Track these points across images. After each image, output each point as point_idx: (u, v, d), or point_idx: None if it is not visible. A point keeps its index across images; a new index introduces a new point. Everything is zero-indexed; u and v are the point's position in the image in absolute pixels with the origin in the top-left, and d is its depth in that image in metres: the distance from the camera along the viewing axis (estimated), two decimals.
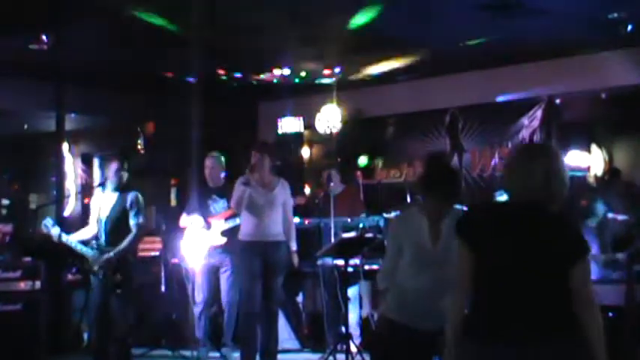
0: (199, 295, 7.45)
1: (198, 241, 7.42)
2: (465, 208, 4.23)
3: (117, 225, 6.40)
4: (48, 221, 6.53)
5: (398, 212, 4.54)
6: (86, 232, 6.54)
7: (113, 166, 6.51)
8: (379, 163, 10.30)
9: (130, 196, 6.43)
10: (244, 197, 6.61)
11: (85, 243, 6.44)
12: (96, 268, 6.33)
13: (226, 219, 7.31)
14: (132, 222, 6.41)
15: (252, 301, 6.63)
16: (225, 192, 7.36)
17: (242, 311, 6.78)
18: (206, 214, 7.46)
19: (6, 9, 6.65)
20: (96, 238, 6.43)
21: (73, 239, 6.45)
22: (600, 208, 8.02)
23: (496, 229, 3.23)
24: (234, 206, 6.79)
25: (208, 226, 7.40)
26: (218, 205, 7.46)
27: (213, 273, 7.44)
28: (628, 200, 8.09)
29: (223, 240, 7.32)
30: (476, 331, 3.20)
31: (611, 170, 8.24)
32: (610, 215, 7.99)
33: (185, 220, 7.59)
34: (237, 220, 7.06)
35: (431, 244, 4.18)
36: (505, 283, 3.17)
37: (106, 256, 6.30)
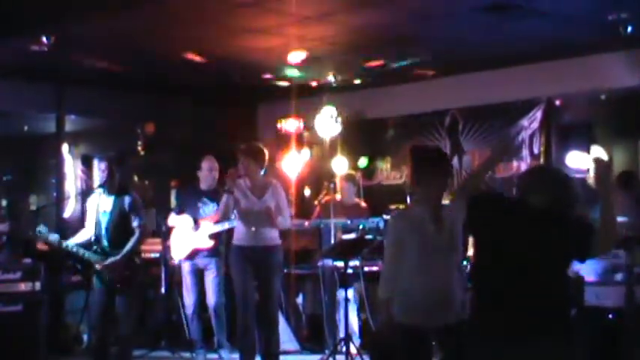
0: (189, 297, 7.45)
1: (184, 242, 7.42)
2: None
3: (118, 228, 6.40)
4: (42, 228, 6.50)
5: (394, 213, 4.56)
6: (83, 235, 6.54)
7: (101, 167, 6.51)
8: (382, 165, 10.30)
9: (128, 199, 6.42)
10: (229, 206, 6.59)
11: (85, 246, 6.44)
12: (100, 270, 6.33)
13: (216, 222, 7.28)
14: (134, 224, 6.40)
15: (247, 303, 6.63)
16: (216, 196, 7.35)
17: (239, 314, 6.78)
18: (195, 215, 7.44)
19: (6, 10, 6.65)
20: (97, 241, 6.42)
21: (72, 243, 6.45)
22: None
23: (508, 222, 3.29)
24: (221, 216, 6.81)
25: (197, 227, 7.38)
26: (208, 208, 7.43)
27: (199, 274, 7.44)
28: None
29: (210, 243, 7.30)
30: (491, 330, 3.24)
31: (625, 173, 8.13)
32: None
33: (173, 219, 7.58)
34: (227, 225, 7.06)
35: (435, 232, 4.18)
36: (516, 280, 3.22)
37: (112, 259, 6.30)
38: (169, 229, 7.72)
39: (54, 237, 6.45)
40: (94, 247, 6.38)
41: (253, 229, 6.60)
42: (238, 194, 6.59)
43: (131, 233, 6.39)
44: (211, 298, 7.33)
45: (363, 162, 10.08)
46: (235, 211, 6.68)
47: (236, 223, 6.90)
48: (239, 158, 6.69)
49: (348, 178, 8.50)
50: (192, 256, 7.38)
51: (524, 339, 3.18)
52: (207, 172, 7.53)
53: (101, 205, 6.45)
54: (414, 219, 4.25)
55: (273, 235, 6.70)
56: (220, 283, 7.32)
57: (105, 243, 6.38)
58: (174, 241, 7.54)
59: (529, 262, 3.21)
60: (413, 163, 4.36)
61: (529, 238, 3.24)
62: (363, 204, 8.46)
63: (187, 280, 7.45)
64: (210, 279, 7.33)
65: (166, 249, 7.95)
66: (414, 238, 4.21)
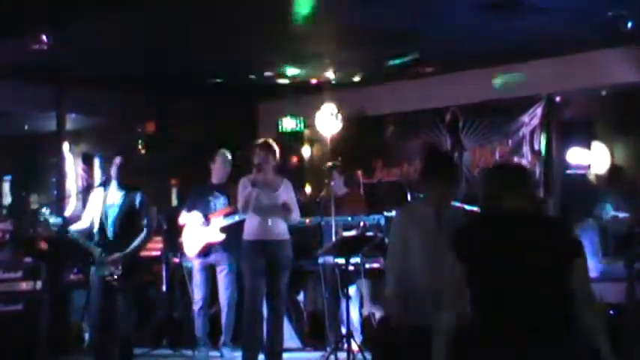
0: (198, 294, 7.46)
1: (196, 238, 7.42)
2: (463, 207, 4.27)
3: (125, 223, 6.39)
4: (46, 211, 6.50)
5: (399, 209, 4.55)
6: (79, 226, 6.55)
7: (117, 161, 6.52)
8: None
9: (139, 196, 6.43)
10: (252, 198, 6.62)
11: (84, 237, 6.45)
12: (101, 263, 6.32)
13: (225, 216, 7.30)
14: (144, 222, 6.41)
15: (255, 298, 6.65)
16: (226, 189, 7.39)
17: (246, 309, 6.78)
18: (206, 210, 7.45)
19: (6, 9, 6.65)
20: (101, 233, 6.40)
21: (74, 231, 6.46)
22: (608, 208, 7.97)
23: (492, 240, 3.28)
24: (242, 209, 6.80)
25: (207, 222, 7.39)
26: (219, 202, 7.46)
27: (210, 271, 7.44)
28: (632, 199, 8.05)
29: (221, 237, 7.31)
30: (482, 337, 3.24)
31: (614, 168, 8.17)
32: (612, 213, 7.98)
33: (184, 217, 7.59)
34: (237, 217, 7.07)
35: (437, 232, 4.18)
36: (507, 290, 3.22)
37: (118, 254, 6.29)
38: (173, 228, 7.74)
39: (57, 222, 6.45)
40: (97, 239, 6.38)
41: (269, 222, 6.63)
42: (257, 189, 6.64)
43: (138, 230, 6.39)
44: (223, 294, 7.35)
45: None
46: (252, 207, 6.70)
47: (237, 218, 6.92)
48: (257, 153, 6.73)
49: (331, 167, 8.05)
50: (205, 251, 7.39)
51: (524, 340, 3.18)
52: (220, 165, 7.56)
53: (109, 199, 6.45)
54: (418, 216, 4.26)
55: (283, 230, 6.74)
56: (233, 279, 7.32)
57: (110, 236, 6.37)
58: (186, 238, 7.55)
59: (527, 264, 3.20)
60: (424, 161, 4.39)
61: (522, 241, 3.24)
62: (359, 192, 8.43)
63: (197, 278, 7.46)
64: (223, 275, 7.34)
65: (168, 247, 7.97)
66: (416, 235, 4.21)
